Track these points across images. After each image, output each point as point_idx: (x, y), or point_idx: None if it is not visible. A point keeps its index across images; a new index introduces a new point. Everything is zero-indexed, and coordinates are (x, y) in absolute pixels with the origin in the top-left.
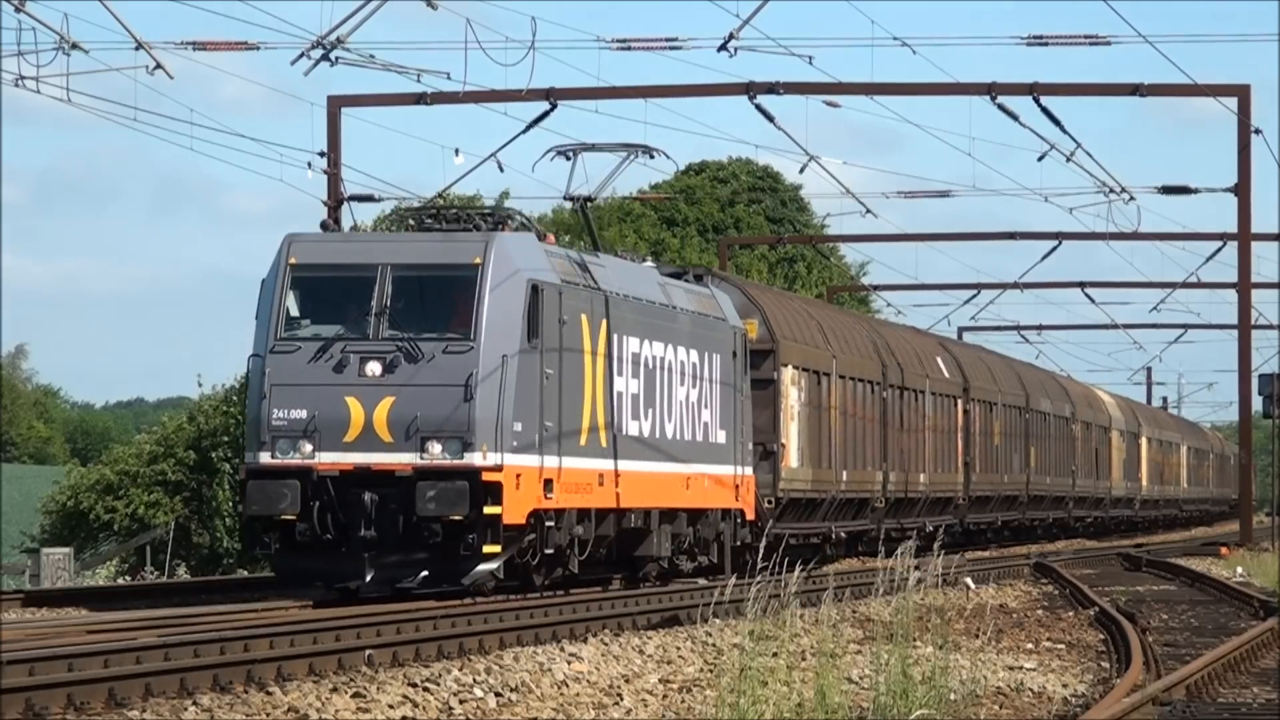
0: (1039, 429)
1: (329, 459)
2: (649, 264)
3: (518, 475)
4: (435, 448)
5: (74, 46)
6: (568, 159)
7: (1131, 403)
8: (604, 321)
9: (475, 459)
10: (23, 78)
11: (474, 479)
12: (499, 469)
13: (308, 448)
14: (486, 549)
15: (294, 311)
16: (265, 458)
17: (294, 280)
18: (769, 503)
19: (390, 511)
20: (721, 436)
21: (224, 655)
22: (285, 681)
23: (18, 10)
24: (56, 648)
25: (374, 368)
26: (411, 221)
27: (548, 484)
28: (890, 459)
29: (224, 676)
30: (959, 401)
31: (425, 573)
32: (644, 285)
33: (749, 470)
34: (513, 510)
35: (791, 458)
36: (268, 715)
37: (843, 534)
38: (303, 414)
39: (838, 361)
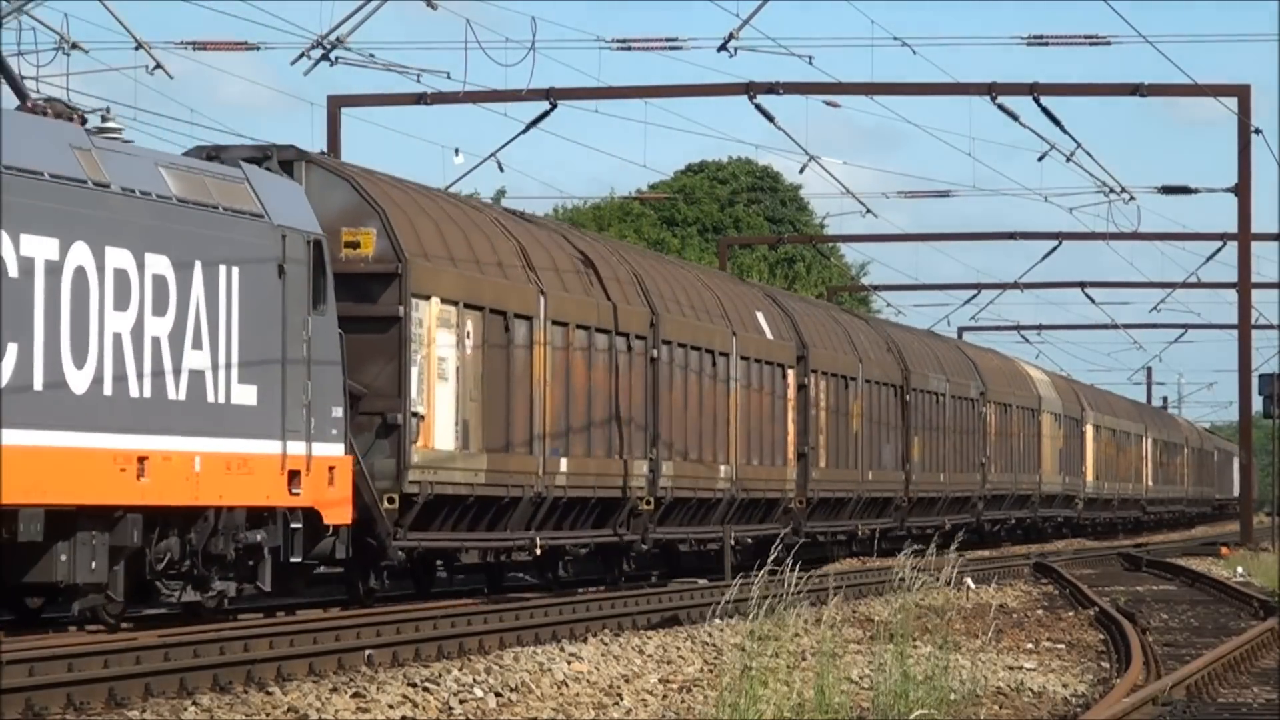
0: (926, 413)
1: None
2: (103, 124)
3: None
4: None
5: (74, 46)
6: None
7: (1075, 384)
8: None
9: None
10: (23, 77)
11: None
12: None
13: None
14: None
15: None
16: None
17: None
18: (390, 501)
19: None
20: (248, 395)
21: (224, 655)
22: (285, 681)
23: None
24: (56, 648)
25: None
26: None
27: None
28: (661, 444)
29: (224, 676)
30: (789, 372)
31: None
32: (26, 149)
33: (332, 448)
34: None
35: (436, 434)
36: (268, 715)
37: (573, 546)
38: None
39: (550, 301)
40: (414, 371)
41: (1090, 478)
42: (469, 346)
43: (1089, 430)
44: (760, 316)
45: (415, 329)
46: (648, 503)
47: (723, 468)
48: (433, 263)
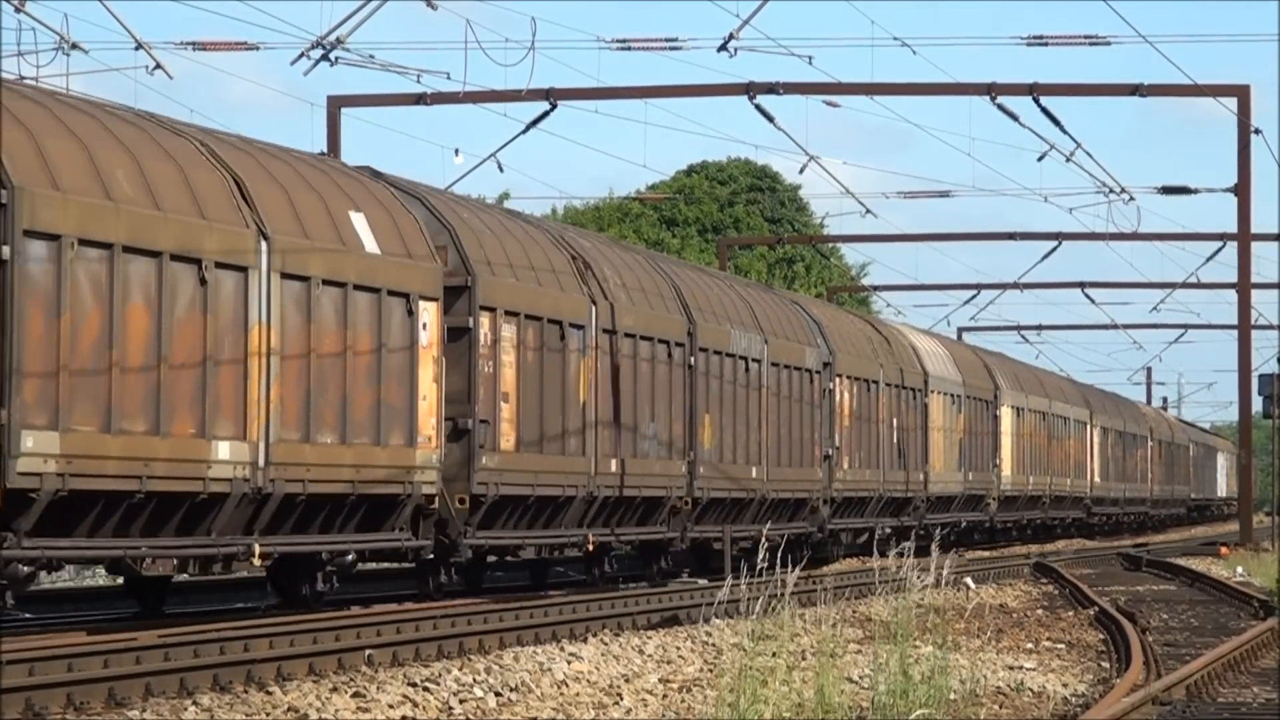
0: (728, 385)
1: None
2: None
3: None
4: None
5: (74, 46)
6: None
7: (988, 356)
8: None
9: None
10: (23, 78)
11: None
12: None
13: None
14: None
15: None
16: None
17: None
18: None
19: None
20: None
21: (224, 655)
22: (285, 681)
23: (18, 10)
24: (56, 648)
25: None
26: None
27: None
28: (23, 403)
29: (224, 676)
30: (429, 307)
31: None
32: None
33: None
34: None
35: None
36: (268, 715)
37: None
38: None
39: None
40: None
41: (1007, 472)
42: None
43: (1006, 414)
44: (360, 220)
45: None
46: None
47: (225, 446)
48: None
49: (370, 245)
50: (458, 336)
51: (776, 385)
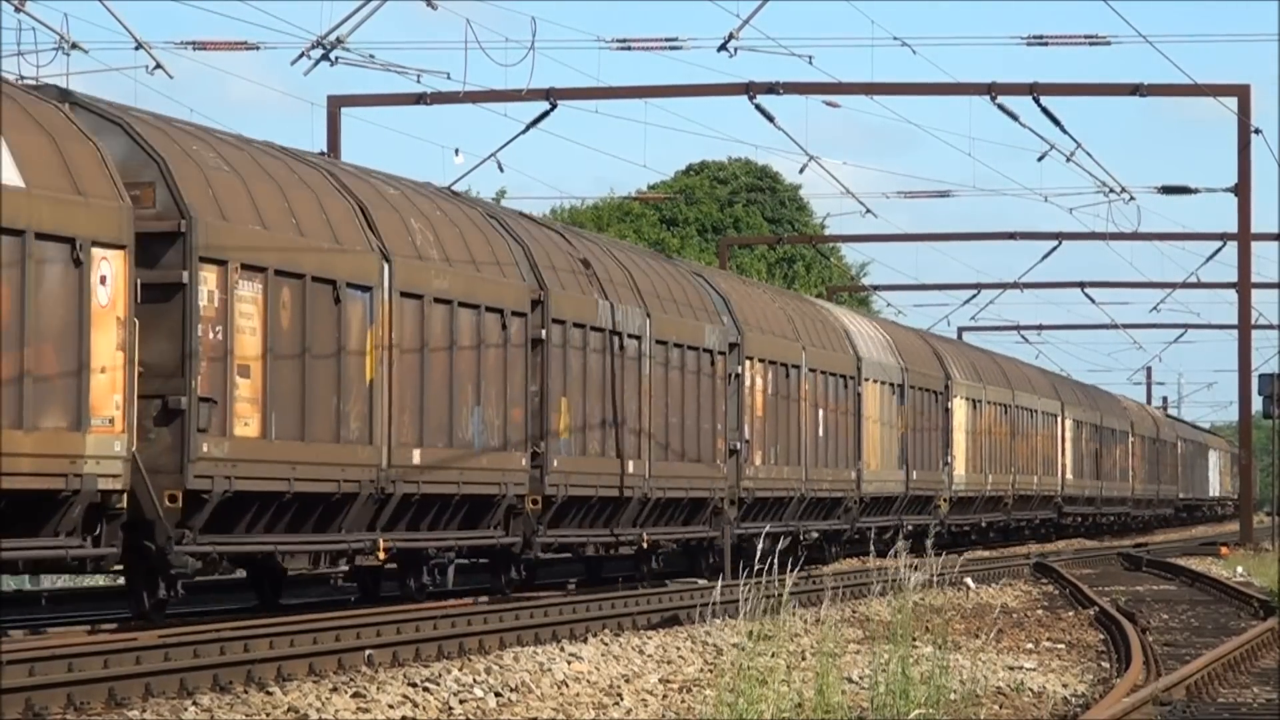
0: (595, 361)
1: None
2: None
3: None
4: None
5: (74, 46)
6: None
7: (936, 342)
8: None
9: None
10: (23, 78)
11: None
12: None
13: None
14: None
15: None
16: None
17: None
18: None
19: None
20: None
21: (224, 655)
22: (285, 681)
23: (17, 10)
24: (56, 648)
25: None
26: None
27: None
28: None
29: (224, 676)
30: (108, 256)
31: None
32: None
33: None
34: None
35: None
36: (268, 715)
37: None
38: None
39: None
40: None
41: (961, 470)
42: None
43: (959, 406)
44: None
45: None
46: None
47: None
48: None
49: (11, 178)
50: (169, 295)
51: (664, 366)
